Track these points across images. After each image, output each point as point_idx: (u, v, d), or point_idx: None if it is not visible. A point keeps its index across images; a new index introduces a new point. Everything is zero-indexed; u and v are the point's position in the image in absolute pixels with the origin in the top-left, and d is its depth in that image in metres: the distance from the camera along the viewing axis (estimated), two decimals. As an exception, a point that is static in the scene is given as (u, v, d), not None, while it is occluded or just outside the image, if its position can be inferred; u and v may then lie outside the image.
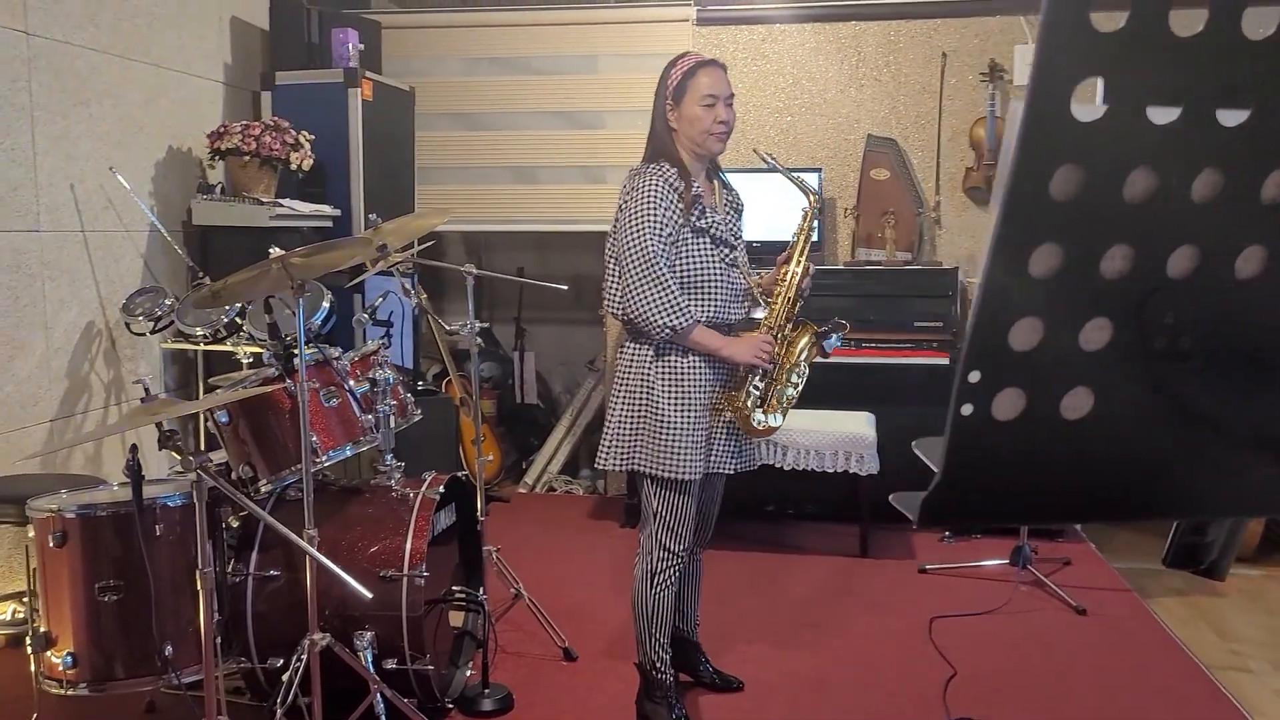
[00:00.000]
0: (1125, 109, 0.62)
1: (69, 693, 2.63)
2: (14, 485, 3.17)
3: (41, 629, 2.64)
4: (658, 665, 2.94)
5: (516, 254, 6.06)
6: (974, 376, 0.67)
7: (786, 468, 4.42)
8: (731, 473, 2.95)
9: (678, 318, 2.70)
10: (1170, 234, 0.67)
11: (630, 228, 2.74)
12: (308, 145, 4.36)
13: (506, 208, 5.53)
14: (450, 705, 3.01)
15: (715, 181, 2.97)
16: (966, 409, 0.68)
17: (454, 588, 3.21)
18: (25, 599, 3.11)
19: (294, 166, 4.31)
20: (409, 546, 2.83)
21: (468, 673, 3.18)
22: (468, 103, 5.51)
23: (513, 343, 6.03)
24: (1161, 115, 0.64)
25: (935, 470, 0.69)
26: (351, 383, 2.93)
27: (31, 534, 2.66)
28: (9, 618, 3.43)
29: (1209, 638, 3.68)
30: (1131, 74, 0.60)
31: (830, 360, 4.62)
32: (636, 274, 2.72)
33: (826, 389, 4.72)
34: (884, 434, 4.48)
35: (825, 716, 3.07)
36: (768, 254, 5.02)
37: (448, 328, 3.53)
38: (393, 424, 3.02)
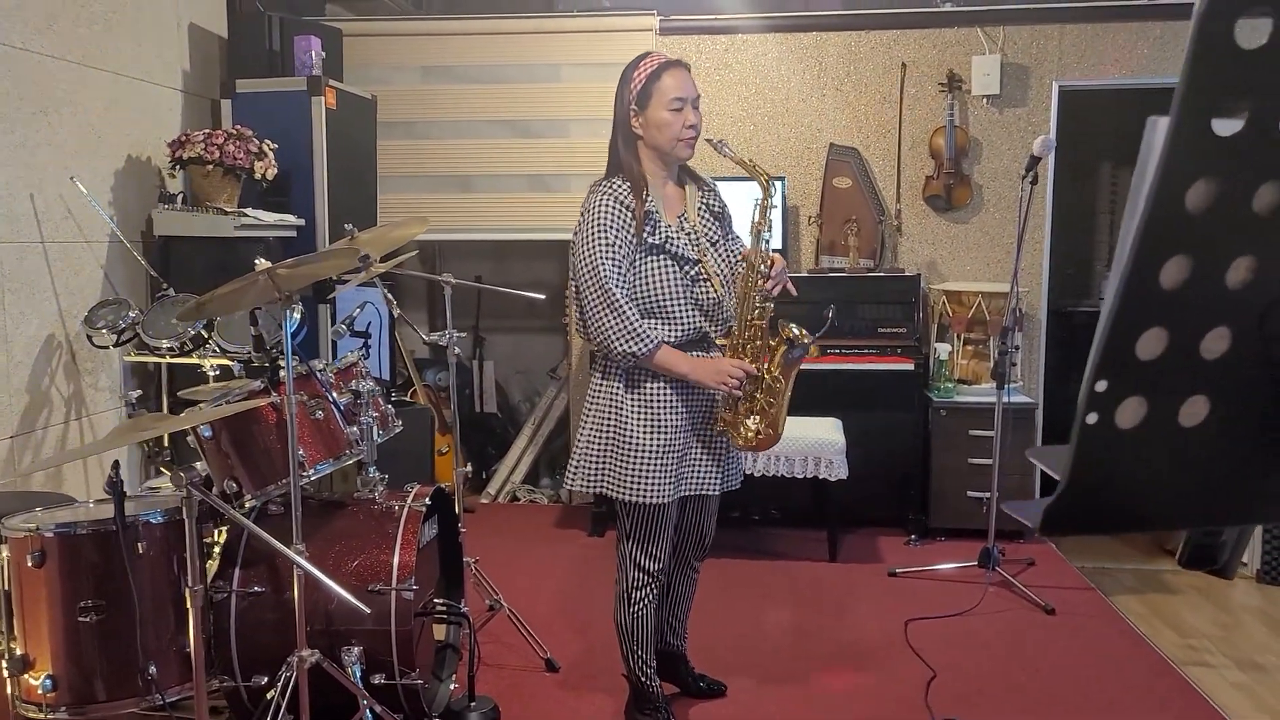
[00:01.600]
0: (1261, 123, 0.64)
1: (48, 716, 2.55)
2: (-23, 504, 3.06)
3: (18, 652, 2.56)
4: (643, 679, 2.94)
5: (471, 262, 6.03)
6: (1101, 386, 0.69)
7: (756, 474, 4.45)
8: (715, 493, 2.90)
9: (637, 344, 2.62)
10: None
11: (583, 251, 2.66)
12: (271, 154, 4.29)
13: (464, 216, 5.50)
14: (437, 719, 2.98)
15: (687, 187, 2.84)
16: (1092, 418, 0.70)
17: (436, 600, 3.18)
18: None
19: (258, 176, 4.24)
20: (397, 560, 2.79)
21: (452, 686, 3.15)
22: (428, 111, 5.48)
23: (471, 351, 6.00)
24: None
25: (1058, 479, 0.71)
26: (335, 395, 2.89)
27: (7, 554, 2.58)
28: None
29: (1167, 634, 3.78)
30: (1269, 88, 0.63)
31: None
32: (592, 301, 2.64)
33: (793, 395, 4.77)
34: (851, 439, 4.54)
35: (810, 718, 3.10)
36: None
37: (425, 338, 3.50)
38: (376, 436, 2.98)
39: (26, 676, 2.56)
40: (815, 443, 4.45)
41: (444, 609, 3.18)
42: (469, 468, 5.28)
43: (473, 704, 3.03)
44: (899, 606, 3.94)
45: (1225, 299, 0.68)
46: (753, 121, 5.37)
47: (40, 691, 2.53)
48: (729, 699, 3.20)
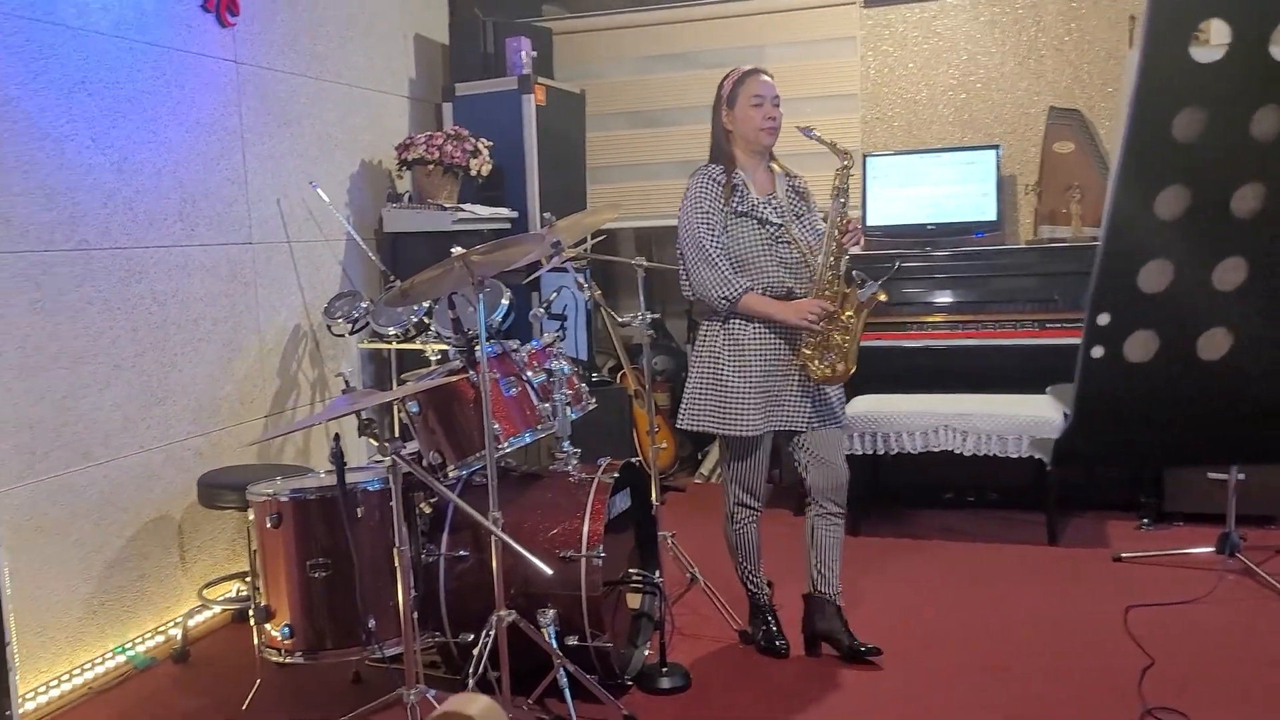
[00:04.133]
0: (1246, 46, 0.61)
1: (286, 661, 2.88)
2: (236, 475, 3.48)
3: (262, 603, 2.90)
4: (749, 588, 3.39)
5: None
6: (1103, 319, 0.68)
7: (966, 453, 4.30)
8: (801, 429, 3.23)
9: (728, 289, 3.11)
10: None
11: (685, 220, 3.22)
12: (486, 152, 4.58)
13: (678, 201, 5.60)
14: (630, 682, 3.11)
15: (776, 174, 3.33)
16: (1097, 351, 0.68)
17: (631, 570, 3.31)
18: (248, 578, 3.42)
19: (474, 173, 4.53)
20: (586, 529, 2.94)
21: (645, 653, 3.28)
22: (636, 101, 5.63)
23: (685, 336, 6.12)
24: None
25: (1067, 414, 0.70)
26: (529, 373, 3.07)
27: (251, 517, 2.93)
28: (234, 595, 3.77)
29: None
30: (1252, 8, 0.60)
31: (1012, 342, 4.53)
32: (692, 258, 3.17)
33: (1009, 371, 4.59)
34: (1071, 417, 4.30)
35: (1009, 703, 2.99)
36: (944, 235, 4.94)
37: (620, 320, 3.64)
38: (569, 412, 3.14)
39: (269, 625, 2.90)
40: (1031, 421, 4.24)
41: (637, 578, 3.30)
42: (665, 445, 5.40)
43: (665, 669, 3.14)
44: (1121, 592, 3.71)
45: (1234, 229, 0.65)
46: (965, 89, 5.18)
47: (279, 638, 2.87)
48: (931, 678, 3.15)
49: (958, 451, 4.31)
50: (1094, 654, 3.26)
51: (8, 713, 2.35)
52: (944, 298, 4.80)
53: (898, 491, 4.88)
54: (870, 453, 4.38)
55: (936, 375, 4.65)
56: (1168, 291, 0.68)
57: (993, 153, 4.95)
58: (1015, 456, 4.27)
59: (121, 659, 3.42)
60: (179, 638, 3.54)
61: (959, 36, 5.16)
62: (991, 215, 4.95)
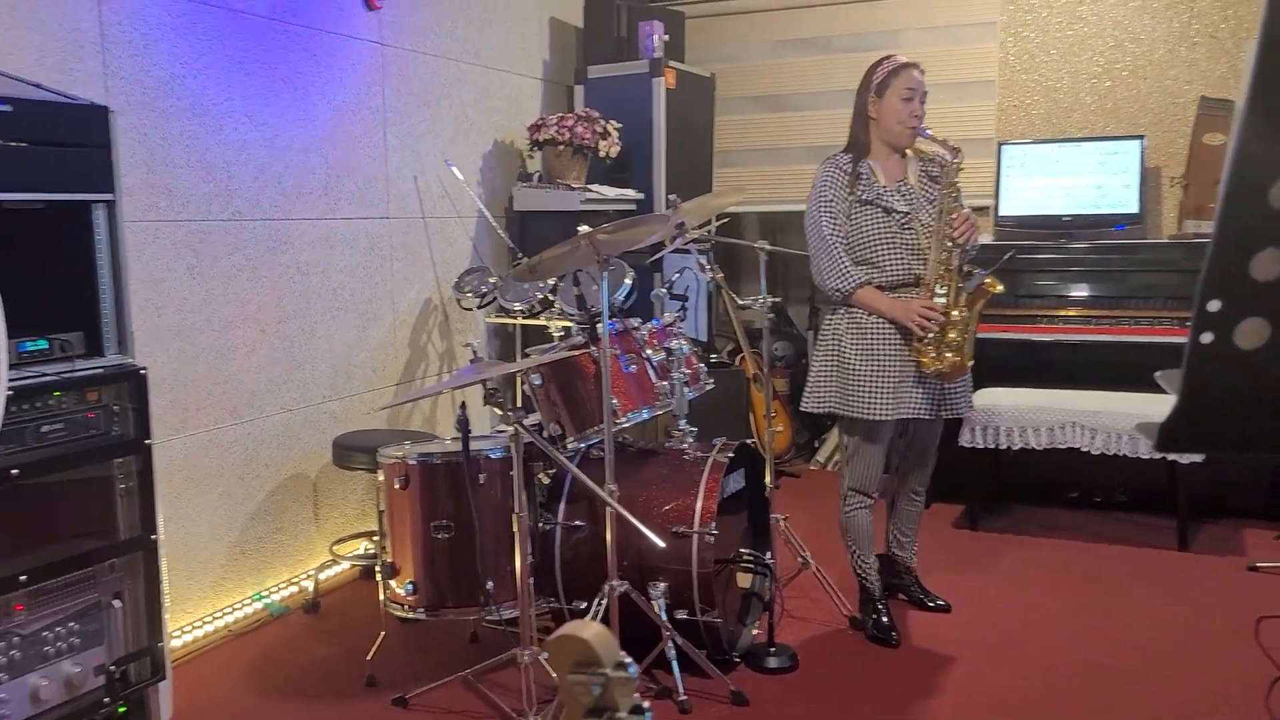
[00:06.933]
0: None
1: (409, 616, 3.02)
2: (367, 438, 3.66)
3: (388, 560, 3.05)
4: (858, 574, 3.41)
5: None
6: (1213, 305, 0.68)
7: (1095, 452, 4.18)
8: (928, 418, 3.27)
9: (842, 280, 3.18)
10: None
11: (810, 209, 3.27)
12: (615, 134, 4.65)
13: (805, 187, 5.58)
14: (738, 659, 3.15)
15: (909, 159, 3.32)
16: (1206, 337, 0.69)
17: (742, 550, 3.35)
18: (375, 536, 3.60)
19: (602, 154, 4.62)
20: (699, 505, 2.99)
21: (754, 632, 3.31)
22: (766, 85, 5.62)
23: (806, 322, 6.09)
24: None
25: (1174, 397, 0.71)
26: (649, 351, 3.13)
27: (381, 478, 3.08)
28: (362, 552, 3.96)
29: None
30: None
31: (1150, 339, 4.36)
32: (814, 246, 3.25)
33: (1145, 370, 4.40)
34: (1209, 420, 4.13)
35: (1126, 707, 2.92)
36: (1081, 228, 4.79)
37: (741, 303, 3.67)
38: (686, 391, 3.19)
39: (394, 582, 3.05)
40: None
41: (749, 558, 3.34)
42: (780, 428, 5.39)
43: (772, 649, 3.17)
44: (1253, 602, 3.56)
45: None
46: (1110, 77, 4.99)
47: (403, 594, 3.01)
48: (1045, 677, 3.10)
49: (1085, 450, 4.19)
50: (1220, 663, 3.15)
51: (160, 644, 2.55)
52: (1079, 291, 4.65)
53: (1019, 487, 4.77)
54: (992, 446, 4.29)
55: (1067, 370, 4.52)
56: (1281, 280, 0.68)
57: (1137, 143, 4.76)
58: (1146, 458, 4.13)
59: (259, 605, 3.64)
60: (311, 589, 3.74)
61: (1106, 23, 4.97)
62: (1133, 208, 4.77)
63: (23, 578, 2.23)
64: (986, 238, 3.30)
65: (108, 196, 2.40)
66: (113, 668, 2.44)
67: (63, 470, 2.34)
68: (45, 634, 2.30)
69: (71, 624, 2.36)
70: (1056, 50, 5.07)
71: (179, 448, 3.37)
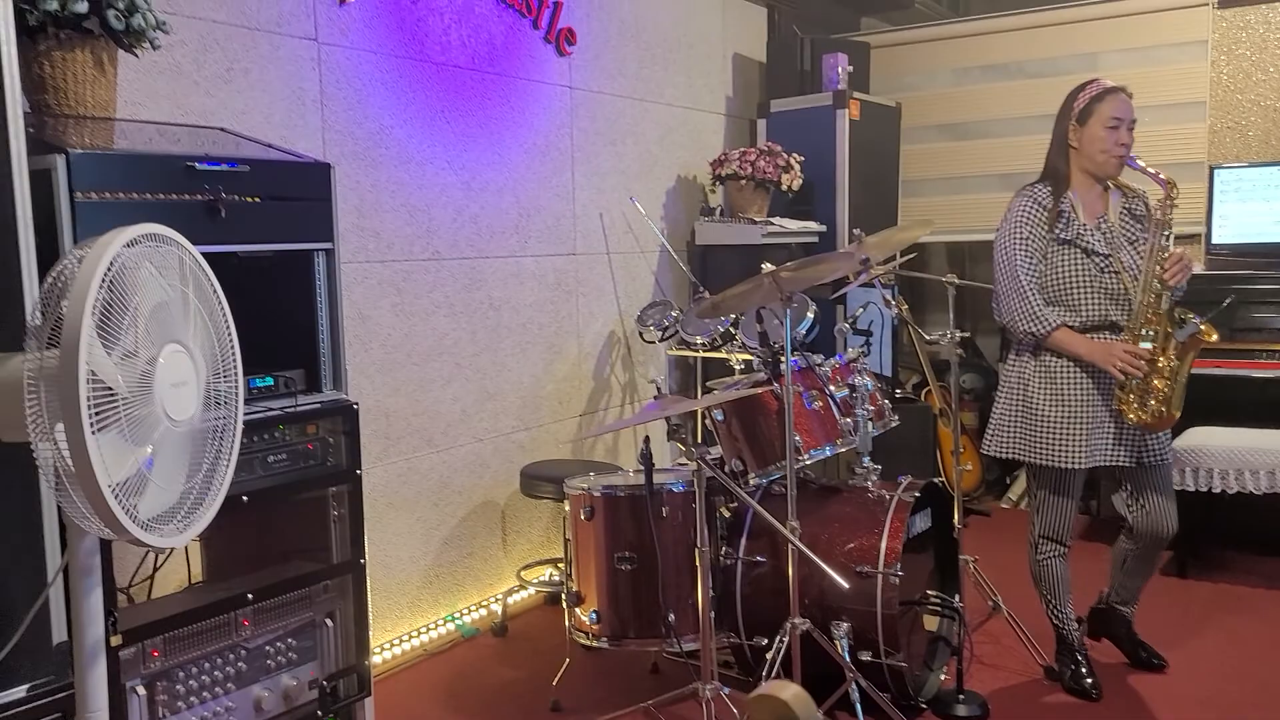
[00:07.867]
0: None
1: (593, 644, 3.10)
2: (553, 468, 3.78)
3: (574, 588, 3.14)
4: (1055, 622, 3.23)
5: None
6: None
7: (1263, 491, 3.86)
8: (1129, 464, 3.07)
9: (1036, 324, 3.02)
10: None
11: (1002, 243, 3.11)
12: (797, 166, 4.65)
13: (994, 216, 5.41)
14: (924, 705, 3.07)
15: (1110, 193, 3.11)
16: None
17: (929, 592, 3.26)
18: (560, 564, 3.70)
19: (784, 187, 4.63)
20: (884, 545, 2.94)
21: (941, 677, 3.21)
22: (953, 113, 5.49)
23: (997, 355, 5.88)
24: None
25: None
26: (832, 388, 3.11)
27: (567, 508, 3.18)
28: (548, 578, 4.09)
29: None
30: None
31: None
32: (1004, 286, 3.09)
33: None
34: None
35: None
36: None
37: (928, 337, 3.59)
38: (870, 428, 3.15)
39: (578, 610, 3.13)
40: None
41: (936, 600, 3.25)
42: (969, 467, 5.21)
43: (961, 697, 3.06)
44: None
45: None
46: (1335, 92, 4.64)
47: (588, 622, 3.09)
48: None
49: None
50: None
51: (366, 662, 2.71)
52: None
53: (1234, 534, 4.44)
54: (1205, 490, 4.02)
55: (1288, 410, 4.20)
56: None
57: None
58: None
59: (450, 627, 3.80)
60: (499, 613, 3.89)
61: (1331, 33, 4.62)
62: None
63: (250, 595, 2.43)
64: (1198, 267, 3.09)
65: (327, 245, 2.59)
66: (325, 683, 2.61)
67: (285, 497, 2.54)
68: (267, 648, 2.48)
69: (290, 640, 2.54)
70: (1275, 68, 4.75)
71: (380, 475, 3.57)
